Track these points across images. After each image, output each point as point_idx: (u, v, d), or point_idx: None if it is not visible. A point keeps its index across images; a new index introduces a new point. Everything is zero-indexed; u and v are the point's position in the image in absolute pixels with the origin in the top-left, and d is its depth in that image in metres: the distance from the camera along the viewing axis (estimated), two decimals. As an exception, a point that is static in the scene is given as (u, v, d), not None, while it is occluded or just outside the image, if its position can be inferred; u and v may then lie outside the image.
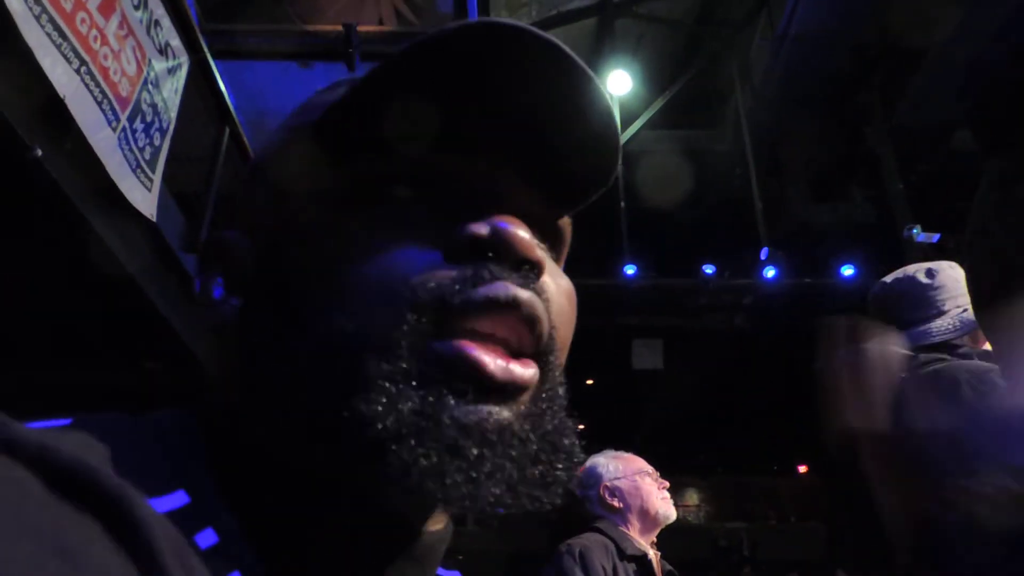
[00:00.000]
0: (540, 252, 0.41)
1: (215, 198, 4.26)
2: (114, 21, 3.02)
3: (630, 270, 8.13)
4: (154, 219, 3.41)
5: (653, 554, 2.23)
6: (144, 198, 3.32)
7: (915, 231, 7.36)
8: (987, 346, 1.54)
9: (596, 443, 2.76)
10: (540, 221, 0.47)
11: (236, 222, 0.51)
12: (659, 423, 12.20)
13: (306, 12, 6.99)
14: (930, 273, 1.63)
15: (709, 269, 8.21)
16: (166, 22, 3.60)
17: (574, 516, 2.31)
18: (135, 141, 3.22)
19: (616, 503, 2.27)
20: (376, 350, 0.37)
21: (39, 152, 2.63)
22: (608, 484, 2.31)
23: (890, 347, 1.55)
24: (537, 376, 0.40)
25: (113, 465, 0.32)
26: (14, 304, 3.54)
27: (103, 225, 3.12)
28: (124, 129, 3.12)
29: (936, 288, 1.61)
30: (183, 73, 3.82)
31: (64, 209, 2.91)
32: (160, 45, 3.52)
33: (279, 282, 0.43)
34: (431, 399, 0.36)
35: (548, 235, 0.48)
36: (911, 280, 1.65)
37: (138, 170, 3.25)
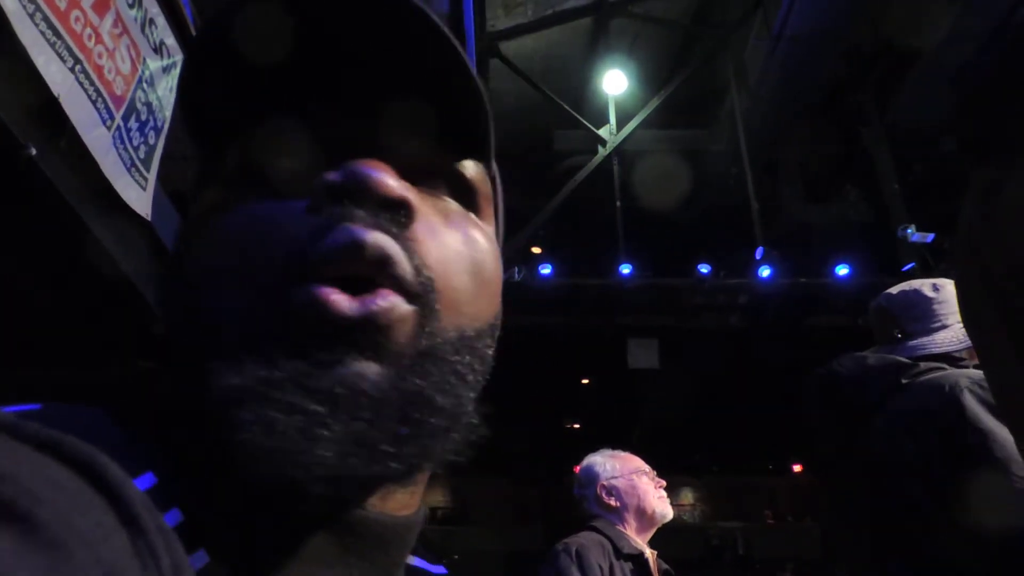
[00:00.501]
0: (403, 191, 0.40)
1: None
2: (108, 19, 3.01)
3: (626, 270, 8.13)
4: (149, 218, 3.40)
5: (649, 553, 2.23)
6: (139, 197, 3.32)
7: (910, 231, 7.39)
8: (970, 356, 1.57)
9: (592, 442, 2.76)
10: (431, 169, 0.46)
11: None
12: (655, 422, 12.21)
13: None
14: (935, 287, 1.66)
15: (705, 269, 8.22)
16: (161, 20, 3.59)
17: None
18: (130, 140, 3.22)
19: (613, 502, 2.28)
20: (232, 315, 0.37)
21: (33, 151, 2.62)
22: (605, 483, 2.31)
23: None
24: (408, 313, 0.38)
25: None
26: (7, 302, 3.52)
27: (98, 224, 3.11)
28: (119, 128, 3.11)
29: (941, 302, 1.63)
30: (178, 72, 3.81)
31: (59, 208, 2.90)
32: (155, 43, 3.51)
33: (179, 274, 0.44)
34: (276, 356, 0.35)
35: (451, 185, 0.47)
36: (917, 292, 1.67)
37: (133, 169, 3.25)
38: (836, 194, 9.79)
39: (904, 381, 1.49)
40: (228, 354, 0.35)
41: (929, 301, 1.64)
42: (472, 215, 0.47)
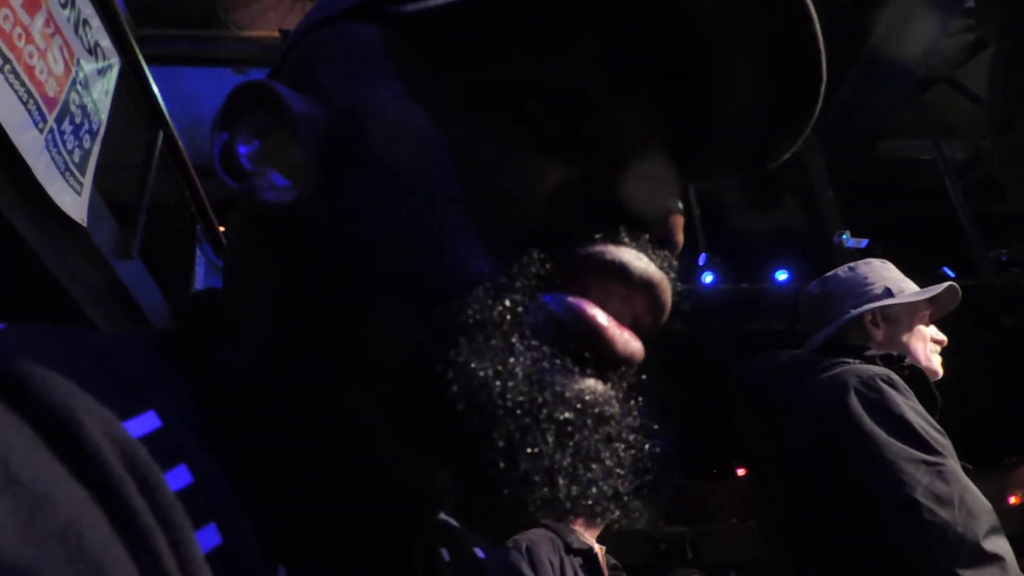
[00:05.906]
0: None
1: (149, 204, 4.15)
2: (40, 19, 2.93)
3: (571, 278, 8.18)
4: (85, 224, 3.30)
5: (598, 548, 2.25)
6: (74, 202, 3.21)
7: (844, 237, 7.62)
8: (881, 337, 1.57)
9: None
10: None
11: (289, 74, 0.40)
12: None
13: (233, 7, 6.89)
14: (820, 283, 1.70)
15: (648, 275, 8.33)
16: (95, 22, 3.50)
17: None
18: (63, 143, 3.12)
19: (561, 498, 2.29)
20: (487, 279, 0.30)
21: (-40, 153, 2.53)
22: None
23: None
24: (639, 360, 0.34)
25: (62, 373, 0.25)
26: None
27: (31, 230, 3.01)
28: (52, 130, 3.01)
29: (825, 296, 1.67)
30: (114, 74, 3.72)
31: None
32: (89, 45, 3.42)
33: (369, 180, 0.34)
34: (546, 363, 0.29)
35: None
36: (807, 295, 1.72)
37: (67, 173, 3.15)
38: (774, 202, 10.04)
39: (807, 380, 1.47)
40: (479, 333, 0.29)
41: (815, 299, 1.69)
42: None
